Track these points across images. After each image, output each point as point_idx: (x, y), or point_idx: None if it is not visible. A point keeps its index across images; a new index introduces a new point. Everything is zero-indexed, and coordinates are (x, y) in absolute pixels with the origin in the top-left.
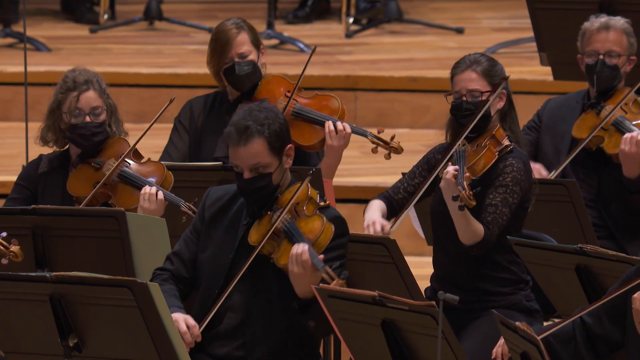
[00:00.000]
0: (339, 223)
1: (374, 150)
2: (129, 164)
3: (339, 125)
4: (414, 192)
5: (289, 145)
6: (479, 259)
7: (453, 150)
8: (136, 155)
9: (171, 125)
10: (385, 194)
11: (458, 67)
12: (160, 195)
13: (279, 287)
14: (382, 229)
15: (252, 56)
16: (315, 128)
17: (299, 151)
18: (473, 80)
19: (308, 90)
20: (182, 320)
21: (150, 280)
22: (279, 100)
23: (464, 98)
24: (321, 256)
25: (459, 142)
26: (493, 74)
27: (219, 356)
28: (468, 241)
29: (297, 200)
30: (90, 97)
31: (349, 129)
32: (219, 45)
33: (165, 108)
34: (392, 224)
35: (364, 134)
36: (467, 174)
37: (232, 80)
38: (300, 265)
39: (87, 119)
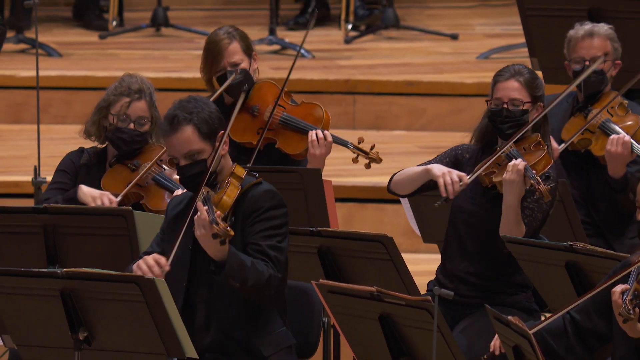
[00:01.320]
0: (271, 195)
1: (355, 160)
2: (164, 169)
3: (320, 134)
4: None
5: (221, 132)
6: (494, 258)
7: (502, 152)
8: (171, 162)
9: None
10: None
11: (502, 75)
12: None
13: None
14: (460, 178)
15: (244, 64)
16: (302, 137)
17: (288, 160)
18: (516, 90)
19: (308, 94)
20: (148, 257)
21: None
22: (268, 107)
23: (505, 106)
24: (218, 212)
25: (508, 145)
26: (534, 86)
27: (201, 349)
28: (509, 233)
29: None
30: (139, 107)
31: (329, 138)
32: (211, 54)
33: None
34: (470, 176)
35: (344, 144)
36: (534, 170)
37: (225, 88)
38: (200, 225)
39: (132, 125)
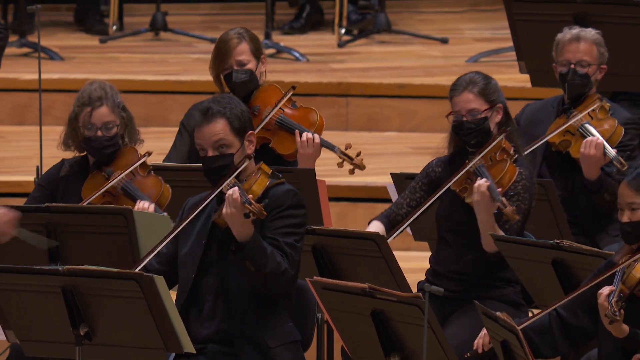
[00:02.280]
0: (293, 195)
1: (340, 165)
2: (134, 176)
3: (309, 135)
4: (417, 206)
5: (250, 132)
6: (483, 260)
7: (469, 166)
8: (143, 166)
9: (173, 129)
10: (386, 213)
11: (456, 90)
12: (152, 210)
13: (240, 266)
14: None
15: (251, 65)
16: (294, 138)
17: (281, 160)
18: (471, 101)
19: (302, 96)
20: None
21: None
22: (266, 108)
23: (465, 118)
24: (250, 196)
25: (475, 160)
26: (488, 92)
27: (206, 339)
28: (491, 249)
29: (246, 174)
30: (102, 113)
31: (317, 140)
32: (220, 52)
33: None
34: (391, 236)
35: (331, 148)
36: (499, 188)
37: (230, 86)
38: (232, 203)
39: (99, 133)
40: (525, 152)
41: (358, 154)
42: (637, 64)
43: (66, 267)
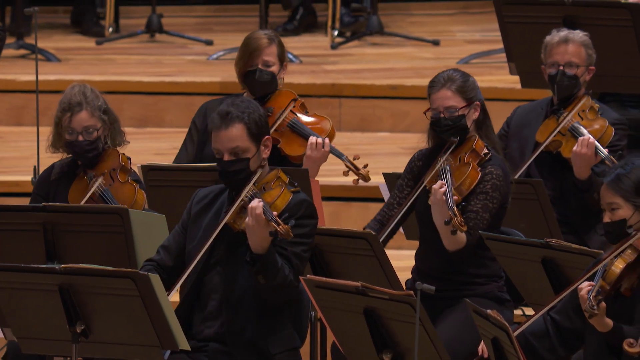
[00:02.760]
0: (306, 206)
1: (345, 174)
2: (112, 182)
3: (320, 140)
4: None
5: (267, 137)
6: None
7: (438, 166)
8: (123, 171)
9: (168, 130)
10: (379, 217)
11: (434, 87)
12: None
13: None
14: None
15: (274, 68)
16: (303, 142)
17: (286, 161)
18: (449, 98)
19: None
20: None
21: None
22: (280, 110)
23: (442, 115)
24: (275, 213)
25: (443, 159)
26: (466, 89)
27: (208, 337)
28: (453, 248)
29: (267, 180)
30: (82, 118)
31: (327, 147)
32: (248, 50)
33: None
34: (381, 237)
35: (340, 156)
36: (456, 196)
37: (249, 82)
38: (254, 218)
39: (80, 137)
40: (528, 162)
41: (365, 166)
42: (624, 66)
43: (63, 265)
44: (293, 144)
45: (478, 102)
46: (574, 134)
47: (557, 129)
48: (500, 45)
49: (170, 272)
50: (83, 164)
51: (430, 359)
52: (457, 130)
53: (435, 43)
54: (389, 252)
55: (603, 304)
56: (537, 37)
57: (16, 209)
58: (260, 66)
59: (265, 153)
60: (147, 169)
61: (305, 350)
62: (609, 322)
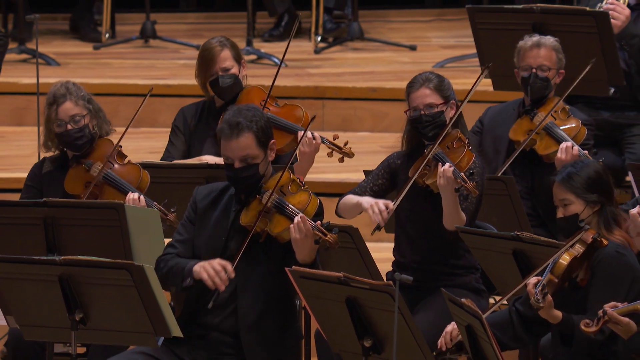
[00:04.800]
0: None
1: (330, 155)
2: (112, 165)
3: (310, 135)
4: (379, 192)
5: (272, 140)
6: (440, 247)
7: (430, 155)
8: (120, 155)
9: (161, 129)
10: (354, 191)
11: (413, 86)
12: (143, 201)
13: (266, 261)
14: (387, 206)
15: (234, 70)
16: (283, 134)
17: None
18: (428, 96)
19: (281, 99)
20: (214, 262)
21: (158, 264)
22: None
23: (422, 112)
24: (317, 223)
25: (434, 148)
26: (443, 88)
27: (212, 325)
28: (451, 227)
29: (281, 183)
30: (67, 108)
31: (319, 140)
32: (205, 61)
33: (143, 102)
34: (395, 202)
35: (322, 140)
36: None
37: (217, 91)
38: (304, 233)
39: (69, 126)
40: (508, 162)
41: (346, 143)
42: (591, 69)
43: (63, 257)
44: (275, 139)
45: (454, 101)
46: (549, 132)
47: (536, 129)
48: (474, 50)
49: None
50: (76, 155)
51: (408, 345)
52: (436, 126)
53: (413, 48)
54: (369, 245)
55: (549, 297)
56: (508, 42)
57: (18, 204)
58: (220, 73)
59: (271, 156)
60: (142, 167)
61: None
62: (558, 313)
